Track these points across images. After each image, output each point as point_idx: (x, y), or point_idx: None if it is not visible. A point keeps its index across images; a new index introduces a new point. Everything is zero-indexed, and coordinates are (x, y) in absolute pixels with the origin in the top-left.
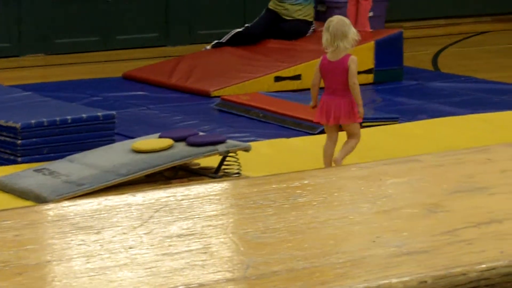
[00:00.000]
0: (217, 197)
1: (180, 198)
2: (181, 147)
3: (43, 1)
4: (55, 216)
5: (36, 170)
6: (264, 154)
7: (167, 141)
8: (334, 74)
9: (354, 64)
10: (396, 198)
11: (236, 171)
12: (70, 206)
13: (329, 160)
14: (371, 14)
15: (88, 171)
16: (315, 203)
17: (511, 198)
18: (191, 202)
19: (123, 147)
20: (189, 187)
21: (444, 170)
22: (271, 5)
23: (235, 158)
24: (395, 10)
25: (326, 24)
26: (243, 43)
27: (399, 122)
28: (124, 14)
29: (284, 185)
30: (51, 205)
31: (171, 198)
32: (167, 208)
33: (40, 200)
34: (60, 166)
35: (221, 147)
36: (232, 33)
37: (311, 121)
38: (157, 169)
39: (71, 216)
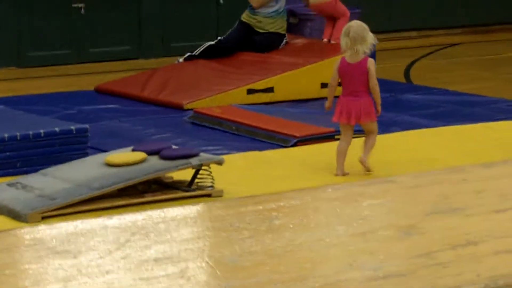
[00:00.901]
0: (193, 220)
1: (156, 221)
2: (155, 161)
3: (15, 13)
4: (31, 240)
5: (9, 184)
6: (237, 167)
7: (141, 155)
8: (353, 76)
9: (373, 66)
10: (372, 220)
11: (210, 184)
12: (47, 229)
13: (343, 159)
14: None
15: (62, 185)
16: (291, 225)
17: (487, 220)
18: (167, 225)
19: (96, 161)
20: (165, 209)
21: (419, 191)
22: (244, 18)
23: (208, 171)
24: (366, 22)
25: (345, 29)
26: (215, 56)
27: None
28: (97, 27)
29: (260, 207)
30: (28, 229)
31: (148, 221)
32: (144, 231)
33: (13, 214)
34: (33, 180)
35: (194, 161)
36: (205, 46)
37: (284, 134)
38: (130, 182)
39: (48, 239)
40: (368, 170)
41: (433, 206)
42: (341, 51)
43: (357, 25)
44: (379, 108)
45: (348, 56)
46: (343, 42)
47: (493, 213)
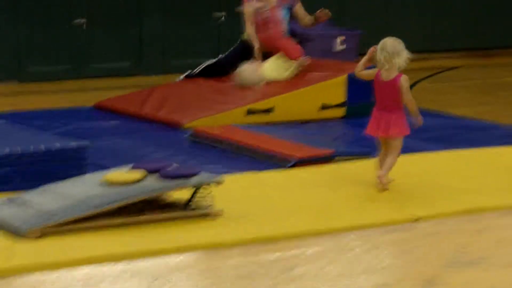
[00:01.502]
0: (213, 270)
1: (172, 268)
2: (154, 179)
3: (16, 28)
4: None
5: (9, 200)
6: (236, 186)
7: (140, 173)
8: (386, 93)
9: (406, 83)
10: (392, 269)
11: (209, 203)
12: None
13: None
14: (343, 47)
15: (61, 202)
16: (312, 274)
17: (509, 271)
18: (185, 273)
19: (96, 178)
20: (184, 254)
21: (439, 239)
22: (245, 37)
23: (208, 190)
24: (367, 44)
25: (381, 45)
26: (215, 75)
27: (371, 157)
28: (97, 43)
29: (280, 253)
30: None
31: (163, 268)
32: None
33: (13, 230)
34: (33, 196)
35: (193, 180)
36: (205, 65)
37: (283, 155)
38: (129, 201)
39: None
40: (384, 188)
41: (453, 256)
42: (378, 66)
43: (392, 40)
44: (419, 117)
45: (384, 71)
46: (381, 56)
47: None
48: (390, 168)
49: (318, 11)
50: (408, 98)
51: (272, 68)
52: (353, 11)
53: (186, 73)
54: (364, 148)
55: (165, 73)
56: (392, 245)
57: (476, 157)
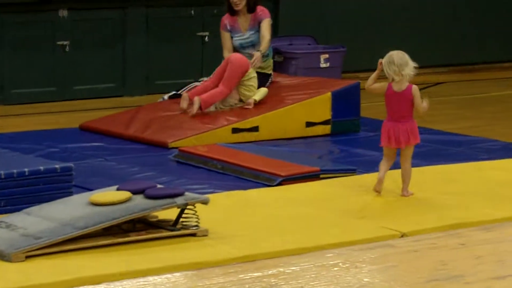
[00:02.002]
0: None
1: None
2: (139, 200)
3: (0, 50)
4: None
5: None
6: (222, 206)
7: (125, 194)
8: (400, 104)
9: (417, 92)
10: (372, 287)
11: (195, 223)
12: None
13: (383, 176)
14: (327, 64)
15: (46, 224)
16: None
17: (488, 286)
18: None
19: (81, 200)
20: (166, 275)
21: (418, 256)
22: None
23: (194, 210)
24: (350, 61)
25: (387, 59)
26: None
27: (357, 174)
28: (81, 65)
29: (260, 273)
30: None
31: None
32: None
33: None
34: (17, 219)
35: (179, 200)
36: (190, 86)
37: (269, 173)
38: (115, 222)
39: None
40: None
41: (433, 272)
42: (389, 79)
43: (397, 52)
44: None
45: (395, 84)
46: (390, 70)
47: (492, 280)
48: (409, 178)
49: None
50: (422, 106)
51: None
52: (338, 29)
53: (170, 93)
54: (350, 166)
55: (149, 94)
56: (373, 263)
57: (460, 172)
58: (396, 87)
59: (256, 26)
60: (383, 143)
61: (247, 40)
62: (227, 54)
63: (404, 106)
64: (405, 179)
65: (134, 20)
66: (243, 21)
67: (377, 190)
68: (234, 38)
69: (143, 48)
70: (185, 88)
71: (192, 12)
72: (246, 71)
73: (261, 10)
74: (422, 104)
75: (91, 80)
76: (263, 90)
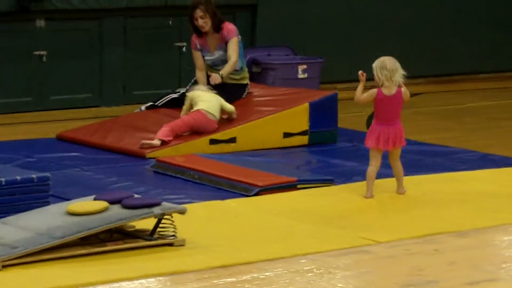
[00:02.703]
0: None
1: None
2: (116, 210)
3: None
4: None
5: None
6: (199, 216)
7: (102, 204)
8: (391, 107)
9: (407, 91)
10: None
11: (172, 233)
12: None
13: (372, 183)
14: (305, 75)
15: (23, 234)
16: None
17: None
18: None
19: (58, 210)
20: (139, 281)
21: (393, 262)
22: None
23: (171, 220)
24: (328, 72)
25: (379, 64)
26: (178, 106)
27: (334, 184)
28: (58, 74)
29: (233, 279)
30: None
31: None
32: None
33: None
34: None
35: (156, 210)
36: (168, 98)
37: (246, 183)
38: (92, 231)
39: None
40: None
41: (406, 278)
42: (379, 83)
43: (389, 59)
44: None
45: (386, 88)
46: (382, 74)
47: (466, 285)
48: (402, 175)
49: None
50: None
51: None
52: (316, 40)
53: (147, 104)
54: (327, 176)
55: (126, 104)
56: (347, 269)
57: (437, 183)
58: (386, 91)
59: (224, 45)
60: (371, 144)
61: (217, 59)
62: (199, 73)
63: (395, 109)
64: (399, 178)
65: (111, 30)
66: (212, 40)
67: (370, 196)
68: (205, 57)
69: (121, 58)
70: (162, 99)
71: (170, 22)
72: (210, 132)
73: (227, 30)
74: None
75: (68, 90)
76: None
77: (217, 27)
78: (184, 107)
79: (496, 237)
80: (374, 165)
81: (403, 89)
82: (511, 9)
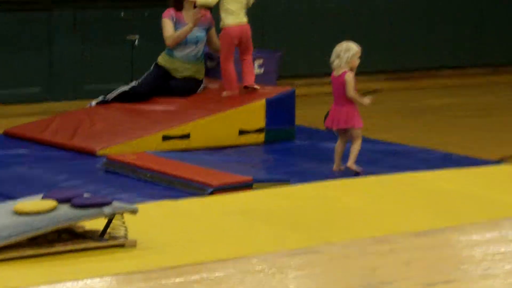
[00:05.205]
0: None
1: None
2: (66, 209)
3: None
4: None
5: None
6: (151, 216)
7: (51, 203)
8: (337, 88)
9: (349, 78)
10: None
11: (123, 234)
12: None
13: (339, 157)
14: (261, 70)
15: None
16: None
17: None
18: None
19: (4, 209)
20: (84, 281)
21: (347, 262)
22: (160, 61)
23: (122, 220)
24: (287, 66)
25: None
26: (130, 101)
27: (291, 184)
28: (5, 67)
29: (182, 279)
30: None
31: None
32: None
33: None
34: None
35: (107, 209)
36: (118, 92)
37: (200, 183)
38: (40, 232)
39: None
40: (356, 172)
41: (361, 279)
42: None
43: (344, 43)
44: (362, 101)
45: (335, 70)
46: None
47: (422, 286)
48: (355, 155)
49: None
50: (350, 95)
51: None
52: (274, 32)
53: (98, 99)
54: (283, 175)
55: (77, 99)
56: (299, 269)
57: (396, 182)
58: (335, 72)
59: (205, 25)
60: (325, 123)
61: (193, 35)
62: (169, 41)
63: (341, 91)
64: (352, 155)
65: (61, 22)
66: (189, 16)
67: (337, 169)
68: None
69: (71, 51)
70: (112, 93)
71: (122, 14)
72: None
73: (210, 17)
74: (352, 93)
75: (16, 84)
76: None
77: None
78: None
79: (454, 237)
80: (340, 141)
81: (347, 73)
82: (472, 3)
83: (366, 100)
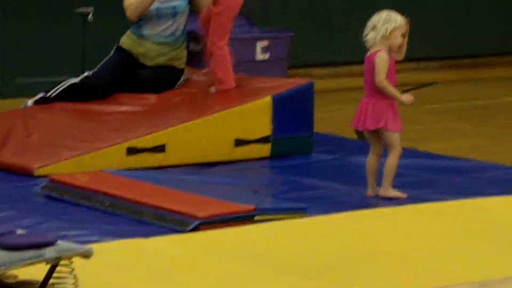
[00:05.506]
0: None
1: None
2: None
3: None
4: None
5: None
6: (111, 260)
7: None
8: (367, 74)
9: (381, 61)
10: None
11: (71, 286)
12: None
13: (373, 177)
14: (266, 56)
15: None
16: None
17: None
18: None
19: None
20: None
21: None
22: (123, 43)
23: (70, 267)
24: (301, 51)
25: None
26: (81, 99)
27: (308, 215)
28: None
29: None
30: None
31: None
32: None
33: None
34: None
35: (49, 252)
36: (65, 85)
37: (181, 214)
38: None
39: None
40: (397, 197)
41: None
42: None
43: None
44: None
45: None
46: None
47: None
48: (392, 174)
49: None
50: (378, 79)
51: None
52: (282, 5)
53: (37, 97)
54: (297, 203)
55: (6, 97)
56: None
57: (452, 212)
58: (369, 52)
59: None
60: (352, 123)
61: (169, 5)
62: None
63: (370, 77)
64: (385, 174)
65: None
66: None
67: (373, 194)
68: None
69: None
70: (57, 88)
71: None
72: None
73: None
74: (381, 79)
75: None
76: None
77: None
78: None
79: None
80: (371, 152)
81: (378, 53)
82: None
83: (406, 97)
